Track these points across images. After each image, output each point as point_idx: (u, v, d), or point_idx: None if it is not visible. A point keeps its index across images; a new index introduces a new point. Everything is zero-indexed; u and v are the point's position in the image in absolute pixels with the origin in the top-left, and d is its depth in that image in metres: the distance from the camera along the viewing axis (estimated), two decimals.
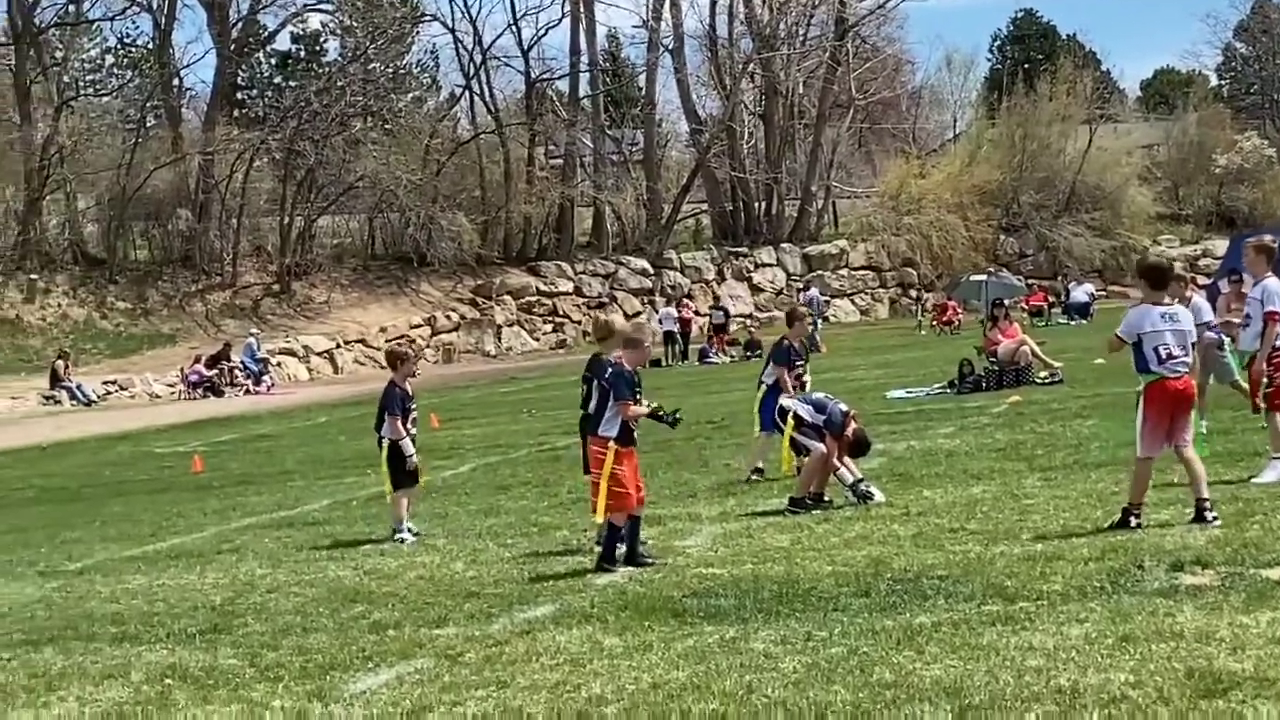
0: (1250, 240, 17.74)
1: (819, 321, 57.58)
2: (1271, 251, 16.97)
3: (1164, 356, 13.32)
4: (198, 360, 59.33)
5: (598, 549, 14.78)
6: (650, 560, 13.78)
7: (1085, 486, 16.08)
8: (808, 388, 19.17)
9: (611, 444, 13.88)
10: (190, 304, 68.82)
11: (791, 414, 16.74)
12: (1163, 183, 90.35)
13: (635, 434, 14.20)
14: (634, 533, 13.94)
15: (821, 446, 16.42)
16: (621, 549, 13.86)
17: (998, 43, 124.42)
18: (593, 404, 14.86)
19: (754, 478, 19.24)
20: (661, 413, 14.40)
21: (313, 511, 20.51)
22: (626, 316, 70.71)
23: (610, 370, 14.28)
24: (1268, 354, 15.81)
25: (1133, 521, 13.03)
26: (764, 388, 19.20)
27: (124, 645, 12.20)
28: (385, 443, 17.23)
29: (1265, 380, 15.85)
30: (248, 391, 57.54)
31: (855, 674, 9.14)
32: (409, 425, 17.27)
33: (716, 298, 69.48)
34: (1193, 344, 13.74)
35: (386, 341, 67.43)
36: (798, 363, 19.48)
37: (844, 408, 16.91)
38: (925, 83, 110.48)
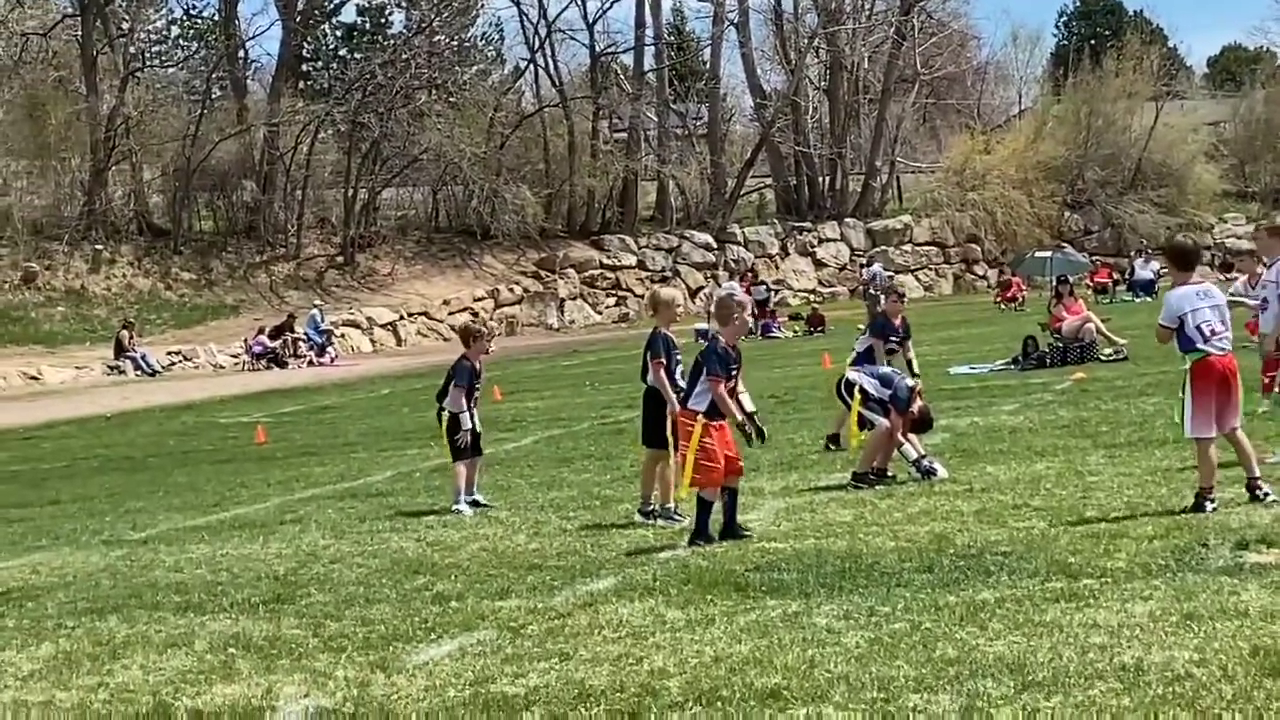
0: (1265, 223, 17.49)
1: (880, 295, 57.34)
2: None
3: (1208, 334, 13.22)
4: (261, 331, 59.59)
5: (638, 519, 14.87)
6: (748, 534, 13.74)
7: (1149, 464, 16.00)
8: (914, 365, 19.14)
9: (700, 418, 13.79)
10: (254, 275, 69.11)
11: (858, 388, 16.71)
12: (1229, 160, 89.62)
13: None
14: (732, 505, 13.87)
15: (886, 421, 16.39)
16: (718, 523, 13.81)
17: (1064, 18, 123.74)
18: (649, 376, 15.01)
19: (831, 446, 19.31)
20: (746, 428, 14.18)
21: (376, 483, 20.59)
22: (691, 292, 70.86)
23: (706, 345, 14.24)
24: None
25: (1208, 506, 12.87)
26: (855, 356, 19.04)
27: (188, 614, 12.29)
28: (445, 414, 17.28)
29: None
30: (311, 363, 57.72)
31: (918, 649, 9.13)
32: (473, 402, 17.33)
33: (754, 273, 68.80)
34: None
35: (450, 314, 67.96)
36: (892, 339, 19.46)
37: (910, 383, 16.88)
38: (991, 58, 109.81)
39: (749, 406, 14.25)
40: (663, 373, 14.96)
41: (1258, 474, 13.26)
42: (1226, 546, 11.32)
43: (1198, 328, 13.22)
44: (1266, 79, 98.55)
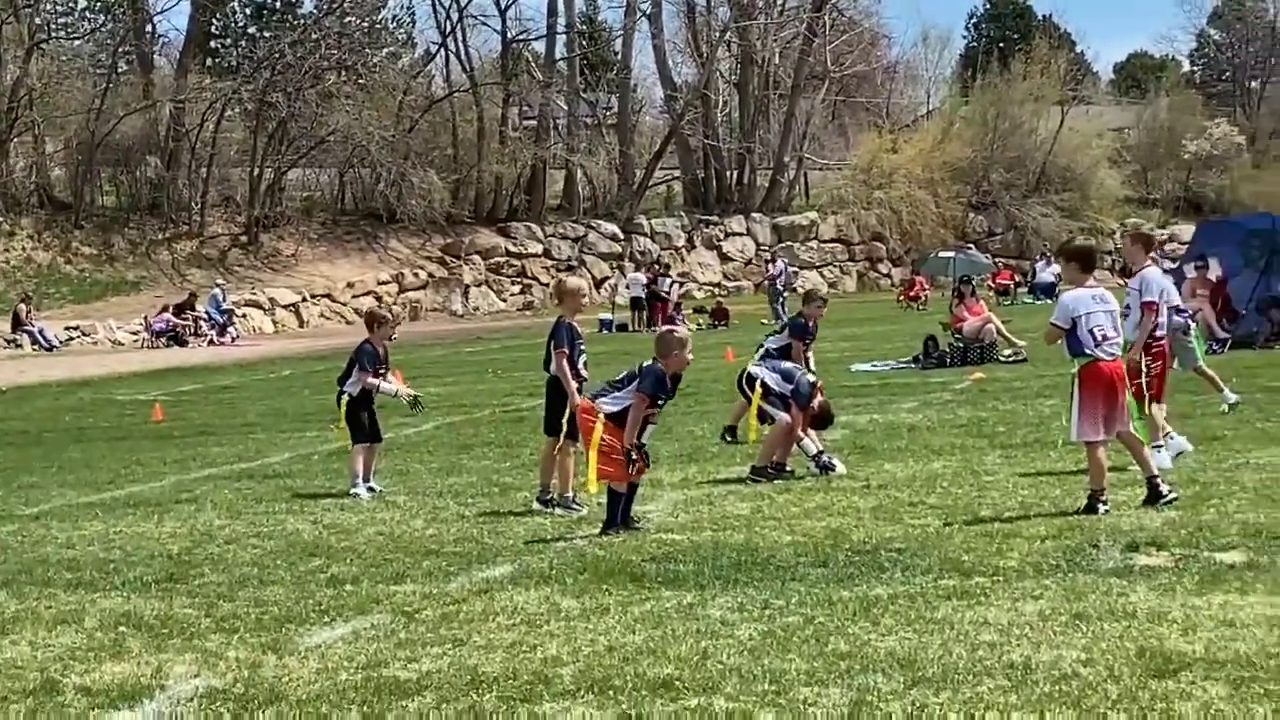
0: (1129, 230, 18.25)
1: (785, 294, 57.77)
2: (1150, 241, 17.34)
3: (1099, 338, 13.35)
4: (166, 309, 59.17)
5: (536, 507, 14.88)
6: (639, 526, 13.73)
7: (1045, 465, 16.17)
8: (812, 363, 19.49)
9: (602, 417, 13.69)
10: (156, 252, 68.55)
11: (759, 382, 16.77)
12: (1132, 166, 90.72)
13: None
14: (629, 498, 13.85)
15: (787, 416, 16.46)
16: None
17: (974, 20, 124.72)
18: (552, 365, 15.01)
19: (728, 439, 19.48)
20: (633, 455, 13.83)
21: (273, 464, 20.49)
22: (596, 282, 70.89)
23: (651, 364, 13.93)
24: (1144, 344, 15.50)
25: (1100, 509, 13.00)
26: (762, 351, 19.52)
27: (79, 591, 12.18)
28: (345, 398, 17.22)
29: (1143, 370, 15.43)
30: (212, 342, 57.43)
31: (810, 643, 9.17)
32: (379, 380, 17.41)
33: (665, 266, 68.59)
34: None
35: (354, 297, 67.77)
36: (808, 340, 19.93)
37: (811, 379, 16.96)
38: (901, 57, 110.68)
39: (644, 439, 14.11)
40: (565, 362, 14.94)
41: (1155, 472, 13.42)
42: (1117, 548, 11.45)
43: (1090, 331, 13.34)
44: (1171, 87, 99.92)
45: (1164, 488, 13.28)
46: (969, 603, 10.00)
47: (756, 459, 16.60)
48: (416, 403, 18.29)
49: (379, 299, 69.36)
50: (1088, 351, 13.35)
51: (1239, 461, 15.71)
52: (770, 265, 64.58)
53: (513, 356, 41.27)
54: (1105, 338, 13.35)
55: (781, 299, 57.29)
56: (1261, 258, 34.20)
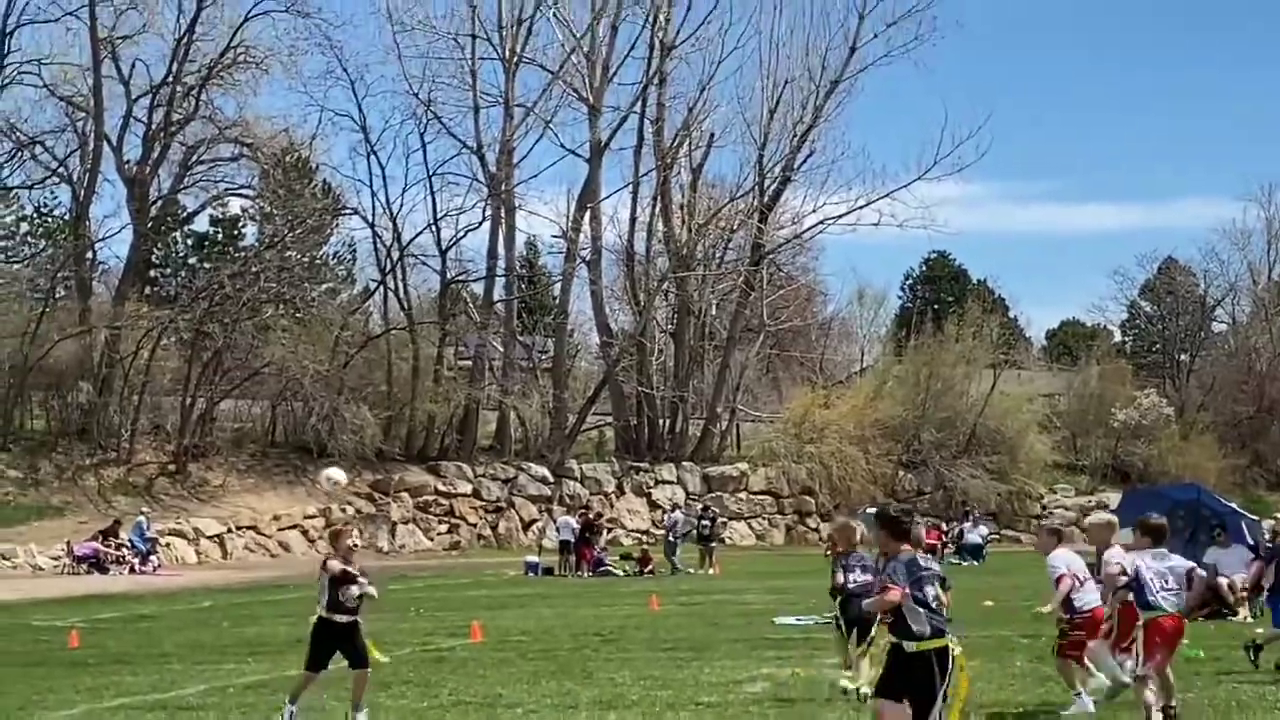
0: (1045, 523, 19.96)
1: (678, 543, 58.16)
2: (1060, 534, 19.12)
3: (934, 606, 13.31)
4: (96, 537, 58.67)
5: None
6: None
7: None
8: None
9: None
10: (83, 478, 67.99)
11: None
12: (1062, 432, 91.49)
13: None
14: None
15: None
16: None
17: (909, 281, 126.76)
18: None
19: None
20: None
21: (188, 695, 20.20)
22: (524, 524, 70.73)
23: None
24: (1068, 615, 17.72)
25: None
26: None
27: None
28: (315, 618, 17.08)
29: (1060, 631, 17.73)
30: (133, 570, 56.82)
31: None
32: (339, 593, 17.12)
33: (572, 510, 68.53)
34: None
35: (280, 530, 67.51)
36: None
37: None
38: (836, 314, 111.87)
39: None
40: None
41: None
42: None
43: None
44: (1101, 356, 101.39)
45: None
46: None
47: None
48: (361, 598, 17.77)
49: (305, 532, 69.13)
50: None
51: None
52: (667, 516, 64.90)
53: (437, 596, 40.99)
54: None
55: (676, 550, 57.62)
56: (1186, 528, 34.42)
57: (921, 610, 12.24)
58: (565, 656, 23.40)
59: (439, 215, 79.24)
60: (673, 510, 67.82)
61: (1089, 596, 17.91)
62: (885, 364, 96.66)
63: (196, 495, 69.50)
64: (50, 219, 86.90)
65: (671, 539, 58.76)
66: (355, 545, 17.79)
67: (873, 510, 60.08)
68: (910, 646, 12.09)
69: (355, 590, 17.04)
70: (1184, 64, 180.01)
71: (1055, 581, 17.75)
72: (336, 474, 17.66)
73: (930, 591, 12.46)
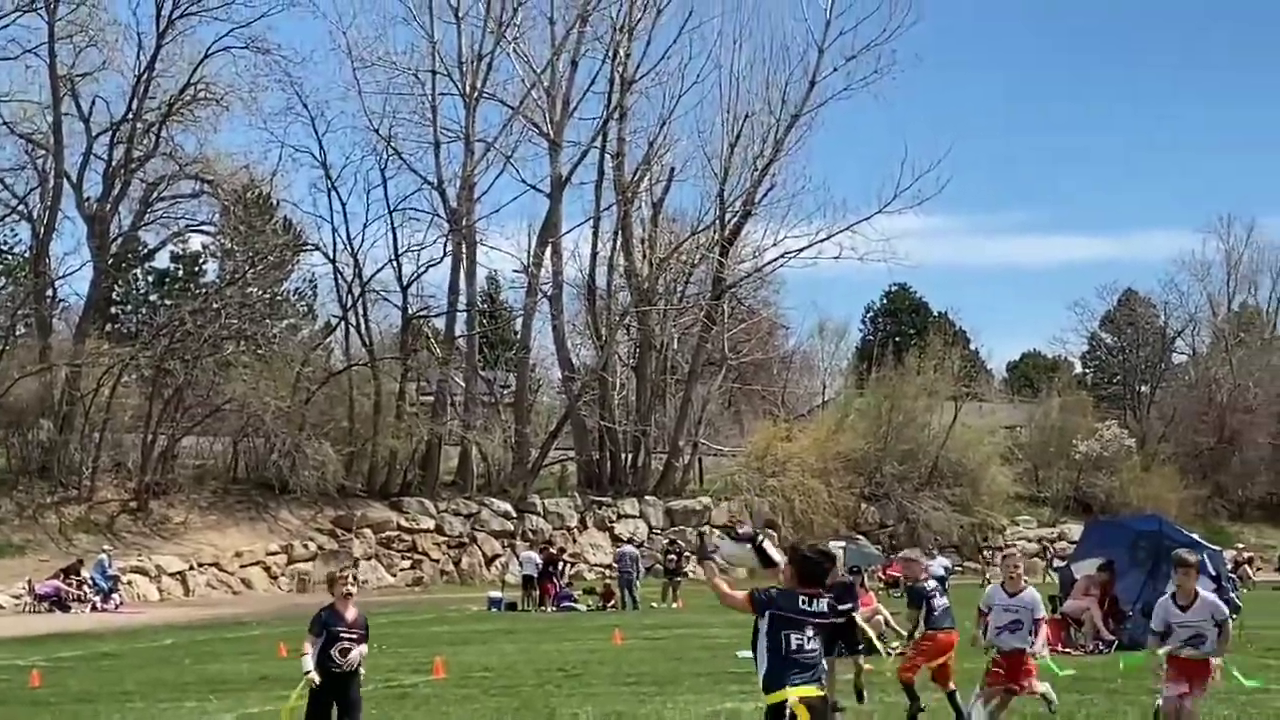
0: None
1: (636, 579, 58.09)
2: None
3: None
4: (59, 575, 58.42)
5: None
6: None
7: None
8: None
9: None
10: (44, 516, 67.66)
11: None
12: (1023, 464, 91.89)
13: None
14: None
15: None
16: None
17: (870, 314, 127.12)
18: None
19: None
20: None
21: None
22: (487, 559, 70.59)
23: None
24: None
25: None
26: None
27: None
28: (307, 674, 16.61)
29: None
30: (95, 608, 56.61)
31: None
32: (334, 651, 16.51)
33: (534, 545, 68.53)
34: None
35: (242, 567, 67.31)
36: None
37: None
38: (798, 347, 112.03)
39: None
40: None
41: None
42: None
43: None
44: (1062, 388, 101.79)
45: None
46: None
47: None
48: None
49: (267, 569, 68.94)
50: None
51: None
52: (617, 548, 64.95)
53: (400, 632, 40.91)
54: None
55: (633, 584, 57.49)
56: (1149, 559, 34.55)
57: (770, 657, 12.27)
58: (528, 692, 23.40)
59: (400, 251, 79.36)
60: (624, 544, 67.64)
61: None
62: (847, 397, 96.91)
63: (158, 532, 69.23)
64: (10, 256, 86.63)
65: (624, 573, 58.54)
66: (350, 593, 17.25)
67: (839, 545, 59.98)
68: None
69: (356, 655, 16.57)
70: (1147, 97, 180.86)
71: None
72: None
73: (795, 639, 12.30)
